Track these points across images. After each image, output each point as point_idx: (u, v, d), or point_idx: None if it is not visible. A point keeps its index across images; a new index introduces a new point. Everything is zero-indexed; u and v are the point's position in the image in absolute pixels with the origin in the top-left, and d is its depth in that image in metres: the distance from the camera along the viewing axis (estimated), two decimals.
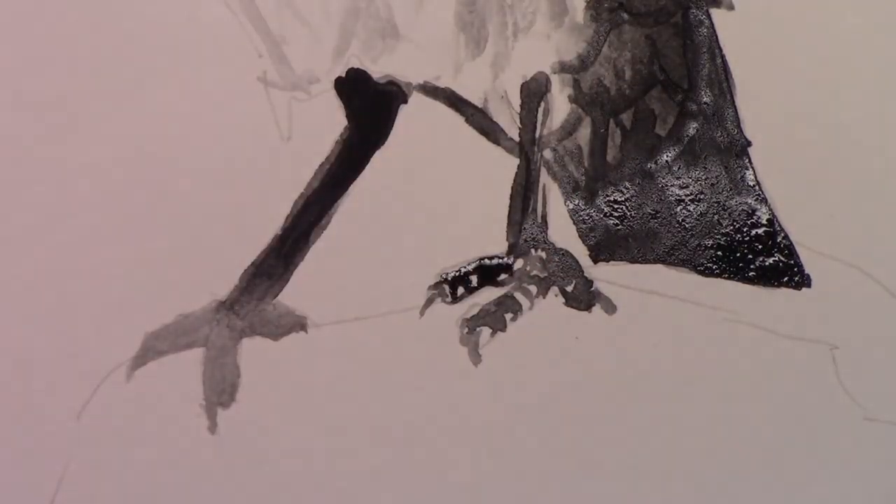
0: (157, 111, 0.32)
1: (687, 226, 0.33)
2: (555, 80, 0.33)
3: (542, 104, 0.33)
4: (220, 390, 0.33)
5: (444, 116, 0.33)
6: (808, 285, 0.33)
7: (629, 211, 0.33)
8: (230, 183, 0.33)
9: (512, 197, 0.33)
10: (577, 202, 0.33)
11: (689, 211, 0.33)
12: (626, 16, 0.33)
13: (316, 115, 0.33)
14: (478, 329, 0.33)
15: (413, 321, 0.33)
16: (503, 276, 0.33)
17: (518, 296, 0.33)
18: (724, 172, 0.33)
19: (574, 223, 0.33)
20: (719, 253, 0.33)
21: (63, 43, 0.31)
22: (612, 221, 0.33)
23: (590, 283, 0.33)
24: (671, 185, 0.33)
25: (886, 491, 0.32)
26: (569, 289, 0.33)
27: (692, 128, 0.33)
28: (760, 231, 0.33)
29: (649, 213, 0.33)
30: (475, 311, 0.33)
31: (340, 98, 0.33)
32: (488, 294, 0.33)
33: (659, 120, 0.33)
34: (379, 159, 0.33)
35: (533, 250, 0.33)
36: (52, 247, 0.32)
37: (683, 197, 0.33)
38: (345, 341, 0.33)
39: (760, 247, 0.33)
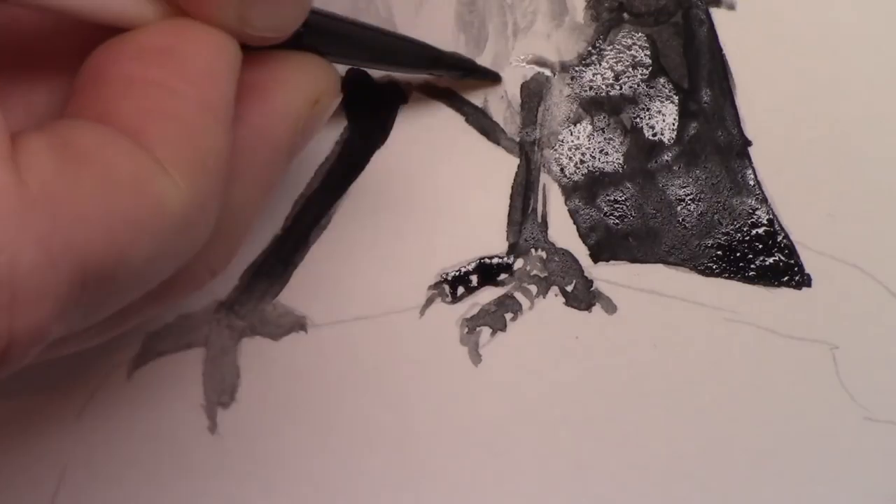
0: None
1: (687, 225, 0.33)
2: (555, 80, 0.33)
3: (542, 104, 0.33)
4: (220, 390, 0.33)
5: (444, 116, 0.33)
6: (809, 285, 0.33)
7: (629, 210, 0.33)
8: None
9: (512, 197, 0.33)
10: (577, 202, 0.33)
11: (689, 210, 0.33)
12: (626, 16, 0.33)
13: None
14: (478, 329, 0.33)
15: (413, 321, 0.33)
16: (503, 276, 0.33)
17: (518, 296, 0.33)
18: (724, 172, 0.33)
19: (574, 223, 0.33)
20: (719, 253, 0.33)
21: None
22: (612, 221, 0.33)
23: (590, 283, 0.33)
24: (671, 185, 0.33)
25: (886, 491, 0.32)
26: (569, 289, 0.33)
27: (692, 128, 0.33)
28: (760, 231, 0.33)
29: (649, 212, 0.33)
30: (475, 311, 0.33)
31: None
32: (488, 294, 0.33)
33: (659, 120, 0.33)
34: (379, 159, 0.33)
35: (533, 250, 0.33)
36: None
37: (683, 196, 0.33)
38: (345, 341, 0.33)
39: (760, 246, 0.33)
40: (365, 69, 0.33)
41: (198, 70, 0.21)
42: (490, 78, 0.33)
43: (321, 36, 0.26)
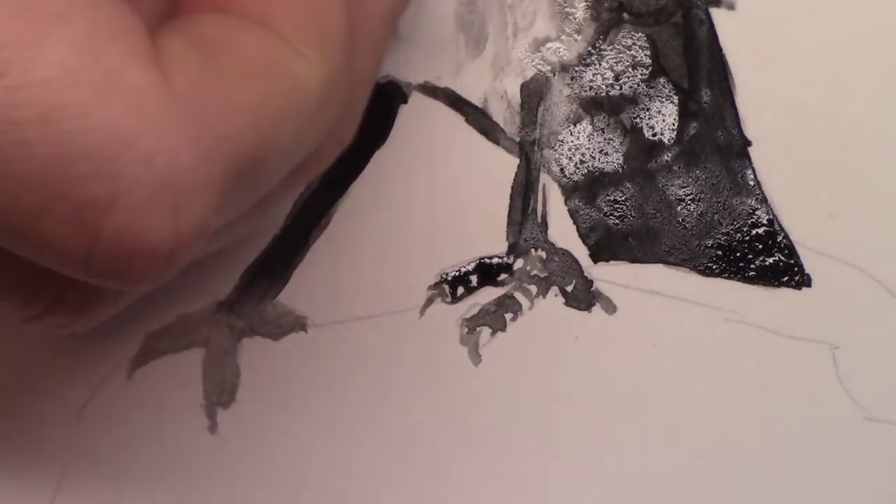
0: None
1: (687, 225, 0.33)
2: (555, 80, 0.33)
3: (542, 104, 0.33)
4: (220, 390, 0.33)
5: (444, 116, 0.33)
6: (809, 285, 0.33)
7: (629, 210, 0.33)
8: None
9: (512, 197, 0.33)
10: (577, 202, 0.33)
11: (689, 210, 0.33)
12: (626, 16, 0.33)
13: None
14: (478, 329, 0.33)
15: (413, 321, 0.33)
16: (503, 276, 0.33)
17: (518, 296, 0.33)
18: (724, 172, 0.33)
19: (574, 223, 0.33)
20: (719, 253, 0.33)
21: None
22: (612, 221, 0.33)
23: (590, 283, 0.33)
24: (671, 185, 0.33)
25: (886, 491, 0.32)
26: (569, 289, 0.33)
27: (692, 128, 0.33)
28: (760, 231, 0.33)
29: (649, 212, 0.33)
30: (475, 311, 0.33)
31: None
32: (488, 294, 0.33)
33: (659, 120, 0.33)
34: (379, 159, 0.33)
35: (533, 250, 0.33)
36: None
37: (683, 196, 0.33)
38: (345, 341, 0.33)
39: (760, 247, 0.33)
40: None
41: None
42: None
43: None
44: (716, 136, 0.33)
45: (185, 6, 0.21)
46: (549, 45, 0.33)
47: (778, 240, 0.33)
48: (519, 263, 0.33)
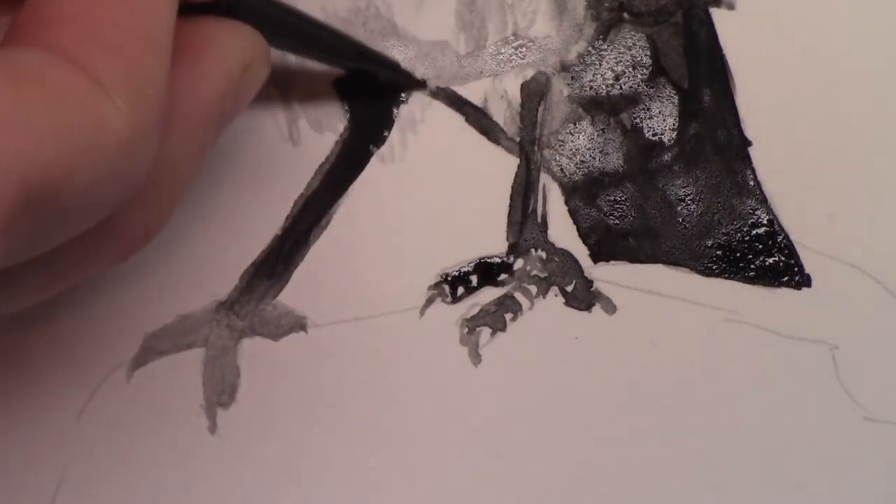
0: None
1: (687, 225, 0.33)
2: (555, 80, 0.33)
3: (542, 104, 0.33)
4: (220, 390, 0.33)
5: (444, 116, 0.33)
6: (808, 285, 0.33)
7: (629, 210, 0.33)
8: (230, 183, 0.33)
9: (512, 197, 0.33)
10: (577, 202, 0.33)
11: (689, 210, 0.33)
12: (626, 15, 0.33)
13: (316, 115, 0.33)
14: (478, 329, 0.33)
15: (413, 321, 0.33)
16: (503, 276, 0.33)
17: (518, 296, 0.33)
18: (724, 172, 0.33)
19: (574, 223, 0.33)
20: (719, 253, 0.33)
21: None
22: (612, 221, 0.33)
23: (590, 283, 0.33)
24: (671, 185, 0.33)
25: (886, 491, 0.32)
26: (569, 289, 0.33)
27: (692, 128, 0.33)
28: (760, 231, 0.33)
29: (649, 212, 0.33)
30: (475, 311, 0.33)
31: (340, 98, 0.33)
32: (488, 294, 0.33)
33: (659, 120, 0.33)
34: (379, 159, 0.33)
35: (533, 250, 0.33)
36: None
37: (683, 196, 0.33)
38: (345, 341, 0.33)
39: (760, 247, 0.33)
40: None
41: (137, 4, 0.22)
42: (413, 84, 0.33)
43: (251, 16, 0.26)
44: (716, 136, 0.33)
45: (7, 41, 0.22)
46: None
47: (778, 240, 0.33)
48: (519, 263, 0.33)
